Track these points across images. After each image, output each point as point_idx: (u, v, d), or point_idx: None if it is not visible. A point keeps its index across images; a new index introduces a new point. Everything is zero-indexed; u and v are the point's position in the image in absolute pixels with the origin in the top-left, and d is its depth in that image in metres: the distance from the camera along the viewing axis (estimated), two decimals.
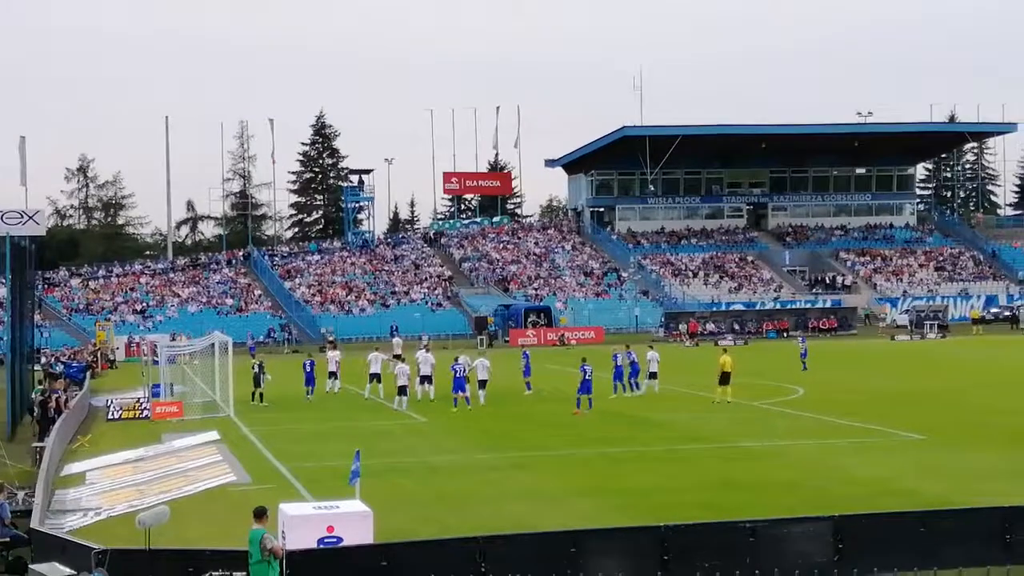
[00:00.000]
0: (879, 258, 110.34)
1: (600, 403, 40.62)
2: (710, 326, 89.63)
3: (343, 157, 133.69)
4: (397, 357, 52.11)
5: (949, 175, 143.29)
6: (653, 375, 45.06)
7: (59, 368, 56.73)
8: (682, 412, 39.22)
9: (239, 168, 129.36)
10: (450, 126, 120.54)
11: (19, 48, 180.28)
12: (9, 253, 38.69)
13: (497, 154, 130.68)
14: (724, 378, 41.45)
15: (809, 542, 18.08)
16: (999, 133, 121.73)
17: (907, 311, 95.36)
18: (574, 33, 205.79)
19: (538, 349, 70.77)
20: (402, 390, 41.64)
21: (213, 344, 45.17)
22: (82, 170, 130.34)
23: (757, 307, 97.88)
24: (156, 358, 52.48)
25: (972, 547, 18.00)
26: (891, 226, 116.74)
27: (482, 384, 42.17)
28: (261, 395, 44.72)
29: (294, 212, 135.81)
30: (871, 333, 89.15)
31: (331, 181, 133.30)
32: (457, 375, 41.08)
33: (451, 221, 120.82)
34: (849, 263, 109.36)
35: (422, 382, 43.71)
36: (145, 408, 41.87)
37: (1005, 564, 16.75)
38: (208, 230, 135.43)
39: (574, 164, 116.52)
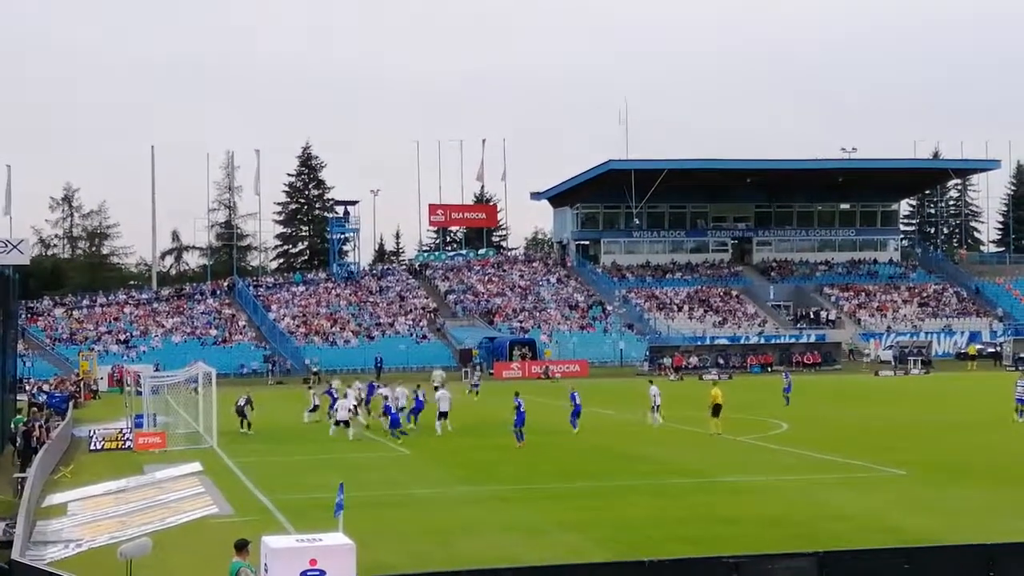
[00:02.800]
0: (863, 293, 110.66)
1: (585, 437, 40.77)
2: (693, 360, 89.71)
3: (329, 188, 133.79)
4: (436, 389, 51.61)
5: (933, 211, 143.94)
6: (656, 408, 45.79)
7: (42, 398, 56.47)
8: (667, 446, 39.20)
9: (224, 198, 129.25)
10: (436, 158, 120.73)
11: (3, 75, 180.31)
12: None
13: (483, 186, 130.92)
14: (716, 410, 41.94)
15: None
16: (983, 170, 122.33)
17: (891, 347, 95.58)
18: (561, 65, 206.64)
19: (523, 382, 70.73)
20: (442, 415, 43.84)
21: (197, 375, 45.06)
22: (67, 199, 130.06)
23: (741, 341, 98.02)
24: (139, 388, 52.31)
25: None
26: (875, 261, 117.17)
27: (442, 415, 44.01)
28: (249, 424, 44.86)
29: (279, 243, 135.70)
30: (855, 368, 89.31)
31: (316, 212, 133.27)
32: (391, 409, 42.92)
33: (436, 253, 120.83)
34: (833, 298, 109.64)
35: (440, 417, 44.18)
36: (128, 439, 41.69)
37: None
38: (193, 260, 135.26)
39: (560, 197, 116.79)
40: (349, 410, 43.29)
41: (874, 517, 25.25)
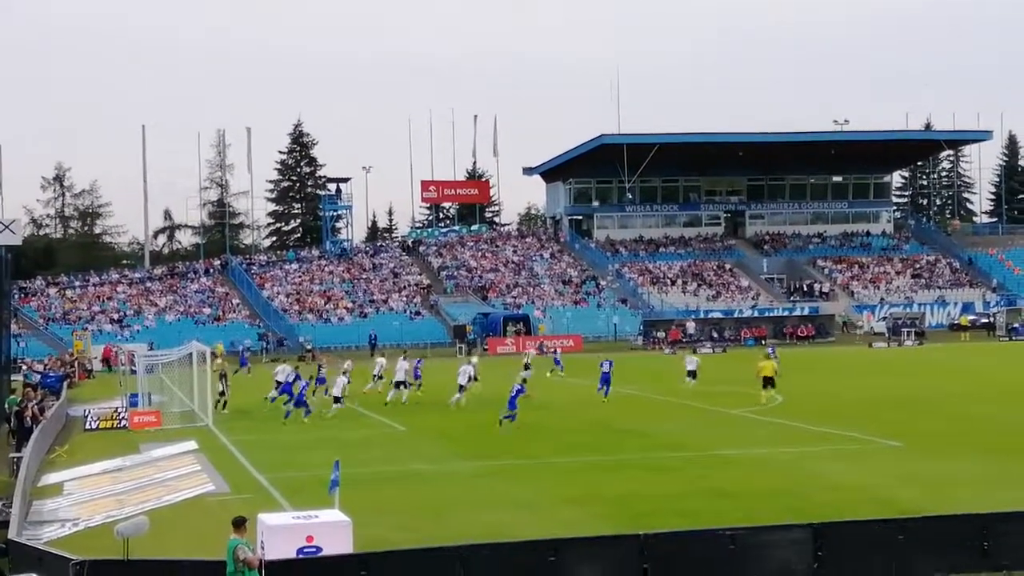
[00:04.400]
0: (856, 266, 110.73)
1: (582, 412, 40.84)
2: (690, 326, 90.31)
3: (321, 165, 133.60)
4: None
5: (925, 183, 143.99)
6: (692, 374, 50.21)
7: (36, 378, 56.40)
8: (663, 420, 39.26)
9: (216, 177, 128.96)
10: (428, 134, 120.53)
11: None
12: None
13: (475, 162, 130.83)
14: (767, 382, 43.18)
15: (789, 550, 18.15)
16: (975, 141, 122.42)
17: (884, 318, 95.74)
18: (551, 40, 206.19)
19: (517, 358, 70.71)
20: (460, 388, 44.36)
21: (191, 353, 44.99)
22: (58, 179, 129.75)
23: (735, 315, 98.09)
24: (134, 367, 52.27)
25: (950, 554, 18.12)
26: (868, 234, 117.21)
27: (397, 384, 45.40)
28: (225, 403, 44.67)
29: (272, 221, 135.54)
30: (849, 340, 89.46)
31: (309, 189, 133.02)
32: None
33: (429, 229, 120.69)
34: (826, 270, 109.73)
35: (460, 390, 44.50)
36: (123, 418, 41.68)
37: (982, 571, 16.84)
38: (186, 239, 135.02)
39: (552, 172, 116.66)
40: (343, 388, 43.21)
41: (869, 488, 25.33)
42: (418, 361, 51.93)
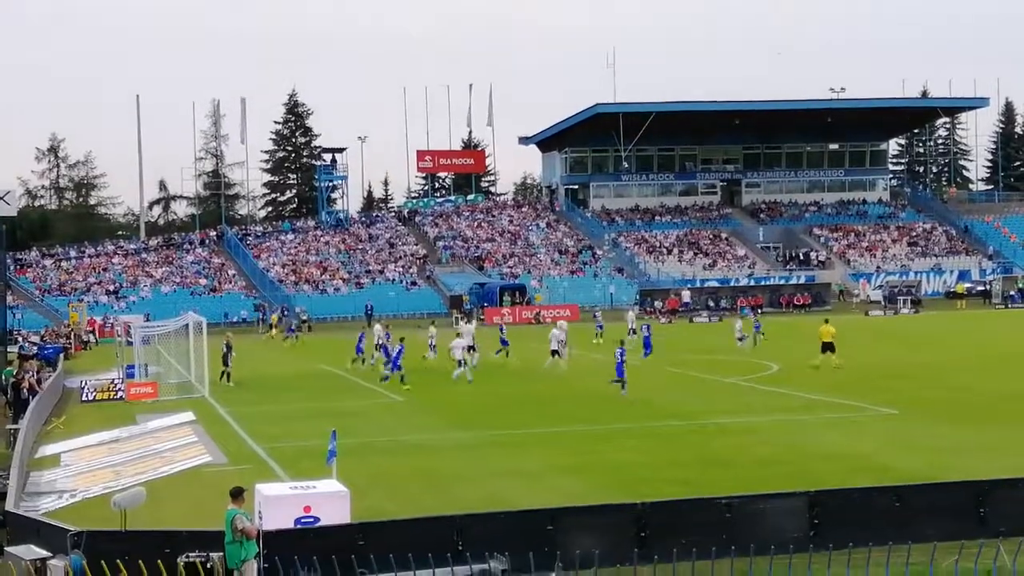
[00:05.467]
0: (852, 234, 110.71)
1: (577, 381, 40.93)
2: (685, 294, 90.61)
3: (316, 136, 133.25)
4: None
5: (921, 150, 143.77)
6: (742, 339, 53.04)
7: (32, 349, 56.44)
8: (659, 390, 39.31)
9: (211, 147, 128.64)
10: (423, 104, 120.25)
11: None
12: None
13: (471, 132, 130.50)
14: (826, 347, 43.71)
15: (785, 517, 18.19)
16: (971, 108, 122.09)
17: (880, 286, 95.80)
18: (547, 8, 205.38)
19: (513, 327, 70.80)
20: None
21: (187, 324, 44.98)
22: (53, 150, 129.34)
23: (731, 283, 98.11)
24: (130, 339, 52.25)
25: (946, 521, 18.15)
26: (864, 202, 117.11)
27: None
28: (228, 375, 44.58)
29: (267, 191, 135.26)
30: (845, 308, 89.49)
31: (304, 160, 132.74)
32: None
33: (425, 199, 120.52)
34: (823, 239, 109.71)
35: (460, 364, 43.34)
36: (120, 389, 41.70)
37: (979, 538, 16.87)
38: (181, 210, 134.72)
39: (548, 142, 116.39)
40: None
41: (865, 456, 25.38)
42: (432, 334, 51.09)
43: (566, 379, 42.64)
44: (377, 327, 53.99)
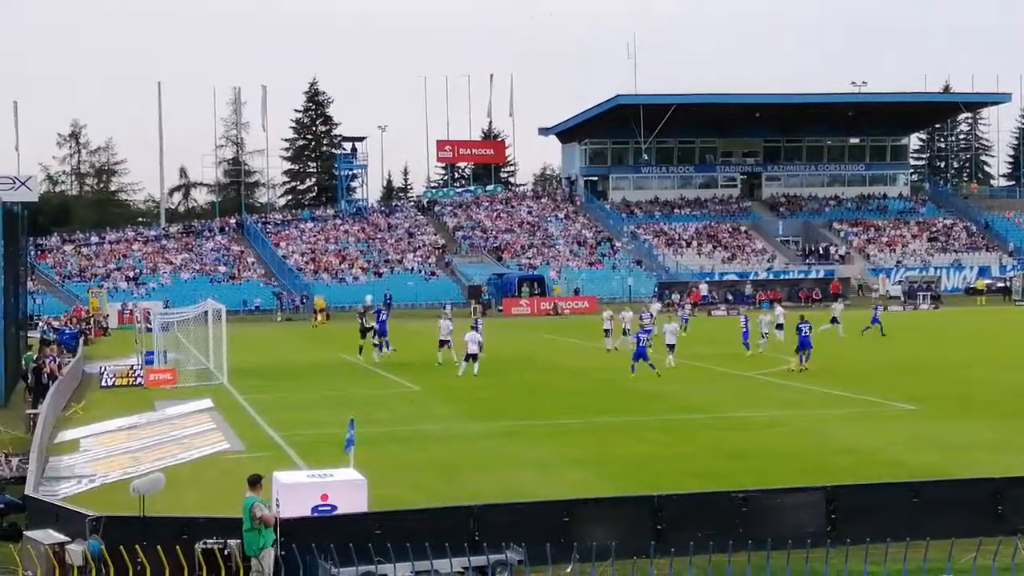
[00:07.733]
0: (872, 228, 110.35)
1: (593, 373, 40.90)
2: (702, 287, 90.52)
3: (336, 124, 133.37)
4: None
5: (943, 145, 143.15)
6: (780, 327, 51.79)
7: (52, 335, 56.68)
8: (675, 382, 39.23)
9: (232, 135, 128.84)
10: (444, 94, 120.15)
11: (10, 13, 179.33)
12: (2, 219, 38.51)
13: (491, 122, 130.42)
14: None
15: (801, 512, 18.16)
16: (993, 103, 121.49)
17: (900, 282, 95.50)
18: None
19: (531, 319, 70.81)
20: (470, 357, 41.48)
21: (206, 312, 45.09)
22: (74, 136, 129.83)
23: (750, 277, 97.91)
24: (149, 325, 52.42)
25: (964, 517, 18.08)
26: (885, 196, 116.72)
27: (470, 356, 42.02)
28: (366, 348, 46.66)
29: (287, 179, 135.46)
30: (864, 304, 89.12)
31: (324, 148, 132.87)
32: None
33: (444, 189, 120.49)
34: (842, 233, 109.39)
35: (467, 359, 42.07)
36: (139, 375, 41.84)
37: (996, 535, 16.82)
38: (201, 197, 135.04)
39: (568, 133, 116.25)
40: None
41: (882, 451, 25.32)
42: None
43: (582, 371, 42.59)
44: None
